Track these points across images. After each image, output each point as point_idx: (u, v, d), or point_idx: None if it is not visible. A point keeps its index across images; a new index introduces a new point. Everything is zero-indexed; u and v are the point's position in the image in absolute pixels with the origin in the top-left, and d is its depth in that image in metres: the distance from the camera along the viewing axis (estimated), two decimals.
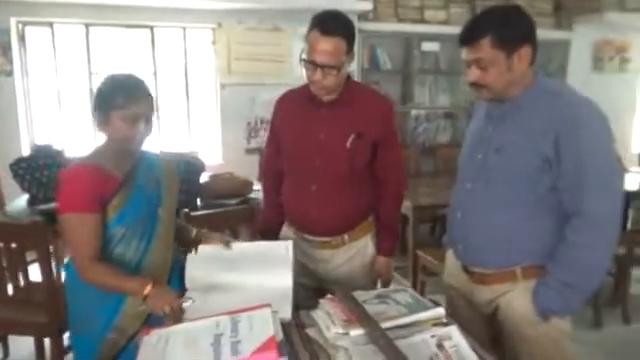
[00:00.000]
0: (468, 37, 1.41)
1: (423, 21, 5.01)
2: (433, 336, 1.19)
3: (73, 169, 1.42)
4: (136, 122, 1.39)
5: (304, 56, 1.59)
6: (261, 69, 4.66)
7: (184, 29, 4.53)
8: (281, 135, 1.74)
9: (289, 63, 4.70)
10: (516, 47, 1.37)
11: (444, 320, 1.29)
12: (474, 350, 1.16)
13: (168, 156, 2.02)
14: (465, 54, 1.43)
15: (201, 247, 1.57)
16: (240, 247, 1.59)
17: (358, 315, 1.26)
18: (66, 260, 1.56)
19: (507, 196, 1.41)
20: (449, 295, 1.68)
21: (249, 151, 4.72)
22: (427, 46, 5.07)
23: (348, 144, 1.62)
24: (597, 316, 3.03)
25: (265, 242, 1.67)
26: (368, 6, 4.61)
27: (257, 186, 3.40)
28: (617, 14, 5.03)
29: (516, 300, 1.44)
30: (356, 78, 4.90)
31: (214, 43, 4.57)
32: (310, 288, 1.73)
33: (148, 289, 1.33)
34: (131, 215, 1.44)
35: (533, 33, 1.40)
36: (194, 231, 1.65)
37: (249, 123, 4.73)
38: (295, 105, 1.72)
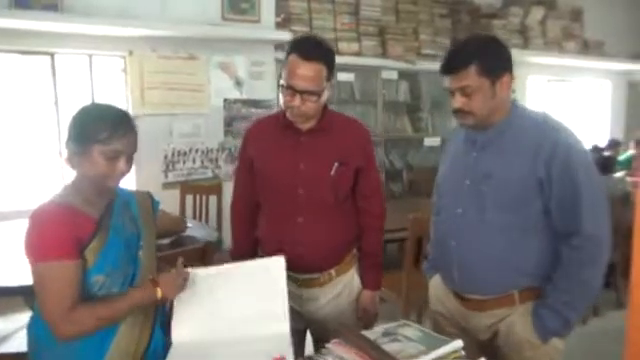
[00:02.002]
0: (453, 66, 1.42)
1: (338, 52, 5.14)
2: None
3: (44, 210, 1.22)
4: (117, 159, 1.24)
5: (282, 82, 1.50)
6: (177, 99, 4.42)
7: (90, 56, 4.16)
8: (258, 166, 1.61)
9: (206, 92, 4.53)
10: (499, 75, 1.41)
11: (462, 352, 1.24)
12: None
13: None
14: (449, 82, 1.44)
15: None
16: (225, 272, 1.43)
17: (379, 358, 1.17)
18: (28, 318, 1.32)
19: (501, 220, 1.43)
20: (437, 322, 1.64)
21: (167, 186, 4.40)
22: (342, 76, 5.21)
23: (332, 172, 1.54)
24: (594, 305, 3.34)
25: (253, 263, 1.52)
26: (286, 36, 4.62)
27: (190, 223, 3.16)
28: None
29: (517, 324, 1.44)
30: (275, 107, 4.88)
31: (125, 72, 4.25)
32: (296, 331, 1.59)
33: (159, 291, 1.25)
34: (111, 261, 1.26)
35: (512, 63, 1.46)
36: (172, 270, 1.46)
37: (166, 156, 4.43)
38: (270, 134, 1.61)
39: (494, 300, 1.46)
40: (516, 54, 6.02)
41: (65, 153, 1.26)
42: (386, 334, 1.34)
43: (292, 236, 1.54)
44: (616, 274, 3.53)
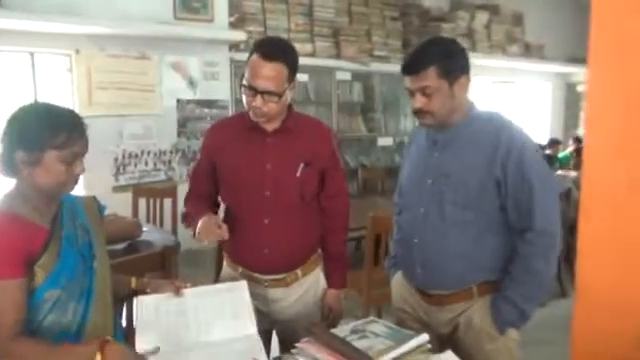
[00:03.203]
0: (413, 67, 1.47)
1: None
2: None
3: None
4: (74, 163, 1.16)
5: (244, 82, 1.50)
6: (127, 99, 4.28)
7: (32, 54, 3.96)
8: (222, 167, 1.59)
9: (158, 93, 4.42)
10: (457, 77, 1.46)
11: (429, 346, 1.29)
12: None
13: None
14: (409, 83, 1.49)
15: (147, 301, 1.35)
16: (190, 293, 1.41)
17: (350, 355, 1.19)
18: None
19: (461, 218, 1.48)
20: (400, 318, 1.68)
21: (118, 189, 4.26)
22: (297, 77, 5.21)
23: (298, 173, 1.55)
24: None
25: (217, 286, 1.51)
26: (241, 36, 4.58)
27: (146, 227, 3.08)
28: None
29: (475, 317, 1.50)
30: (230, 108, 4.83)
31: (71, 71, 4.07)
32: (262, 332, 1.59)
33: (99, 357, 1.06)
34: (65, 274, 1.17)
35: (469, 65, 1.52)
36: (133, 281, 1.42)
37: (116, 158, 4.29)
38: (234, 135, 1.60)
39: (454, 295, 1.51)
40: None
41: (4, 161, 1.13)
42: (354, 331, 1.36)
43: (258, 237, 1.54)
44: (560, 266, 3.75)
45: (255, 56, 1.47)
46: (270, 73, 1.45)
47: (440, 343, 1.60)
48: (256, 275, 1.58)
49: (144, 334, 1.27)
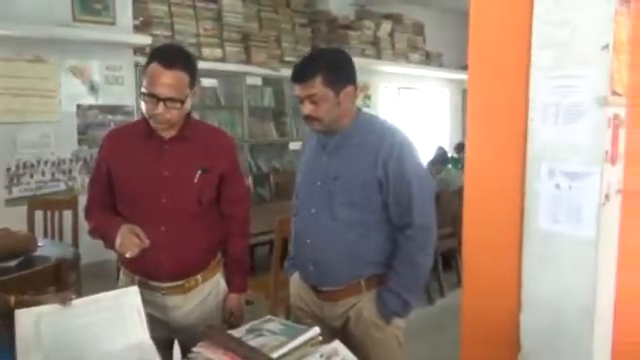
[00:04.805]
0: (302, 76, 1.57)
1: (201, 58, 5.10)
2: (322, 355, 1.26)
3: None
4: None
5: (143, 89, 1.51)
6: (22, 105, 4.03)
7: None
8: (117, 175, 1.59)
9: (57, 98, 4.20)
10: (343, 86, 1.58)
11: (320, 338, 1.38)
12: None
13: None
14: (298, 90, 1.59)
15: (25, 316, 1.28)
16: (78, 304, 1.37)
17: (245, 353, 1.25)
18: None
19: (348, 218, 1.60)
20: (297, 316, 1.78)
21: (12, 202, 3.99)
22: (207, 82, 5.18)
23: (196, 179, 1.59)
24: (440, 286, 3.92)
25: (107, 294, 1.46)
26: (147, 40, 4.47)
27: (42, 241, 2.92)
28: (361, 59, 6.04)
29: (364, 309, 1.63)
30: (135, 114, 4.68)
31: None
32: (162, 342, 1.60)
33: None
34: None
35: (355, 75, 1.65)
36: (12, 299, 1.36)
37: (9, 169, 4.01)
38: (131, 142, 1.61)
39: (344, 290, 1.63)
40: (370, 63, 6.54)
41: None
42: (251, 331, 1.43)
43: (154, 245, 1.55)
44: (457, 257, 4.07)
45: (154, 64, 1.50)
46: (171, 81, 1.49)
47: (333, 335, 1.71)
48: (153, 283, 1.60)
49: (25, 353, 1.21)
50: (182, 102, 1.52)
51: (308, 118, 1.59)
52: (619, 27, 1.56)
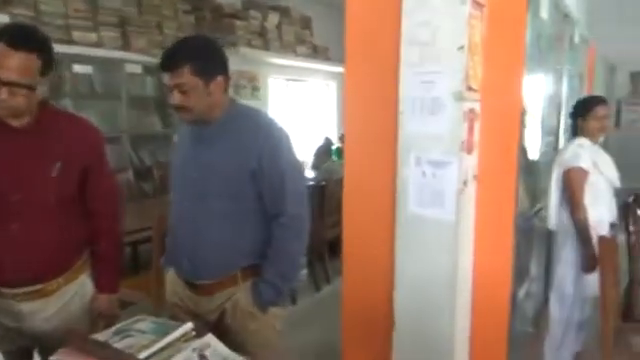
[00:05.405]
0: (170, 64, 1.51)
1: (72, 42, 4.68)
2: (194, 350, 1.23)
3: None
4: None
5: None
6: None
7: None
8: None
9: None
10: (213, 76, 1.55)
11: (194, 333, 1.35)
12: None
13: None
14: (167, 79, 1.53)
15: None
16: None
17: (108, 356, 1.18)
18: None
19: (222, 208, 1.58)
20: (173, 312, 1.72)
21: None
22: (79, 68, 4.78)
23: (54, 173, 1.45)
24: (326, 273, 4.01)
25: None
26: (3, 19, 3.98)
27: None
28: (248, 49, 5.98)
29: (241, 300, 1.62)
30: None
31: None
32: (20, 352, 1.45)
33: None
34: None
35: (227, 65, 1.62)
36: None
37: None
38: None
39: (219, 283, 1.61)
40: (258, 54, 6.48)
41: None
42: (118, 332, 1.35)
43: (4, 247, 1.39)
44: (341, 245, 4.21)
45: (0, 45, 1.33)
46: (17, 63, 1.34)
47: (210, 330, 1.68)
48: (3, 290, 1.44)
49: None
50: (31, 88, 1.37)
51: (178, 108, 1.54)
52: (473, 30, 1.72)
